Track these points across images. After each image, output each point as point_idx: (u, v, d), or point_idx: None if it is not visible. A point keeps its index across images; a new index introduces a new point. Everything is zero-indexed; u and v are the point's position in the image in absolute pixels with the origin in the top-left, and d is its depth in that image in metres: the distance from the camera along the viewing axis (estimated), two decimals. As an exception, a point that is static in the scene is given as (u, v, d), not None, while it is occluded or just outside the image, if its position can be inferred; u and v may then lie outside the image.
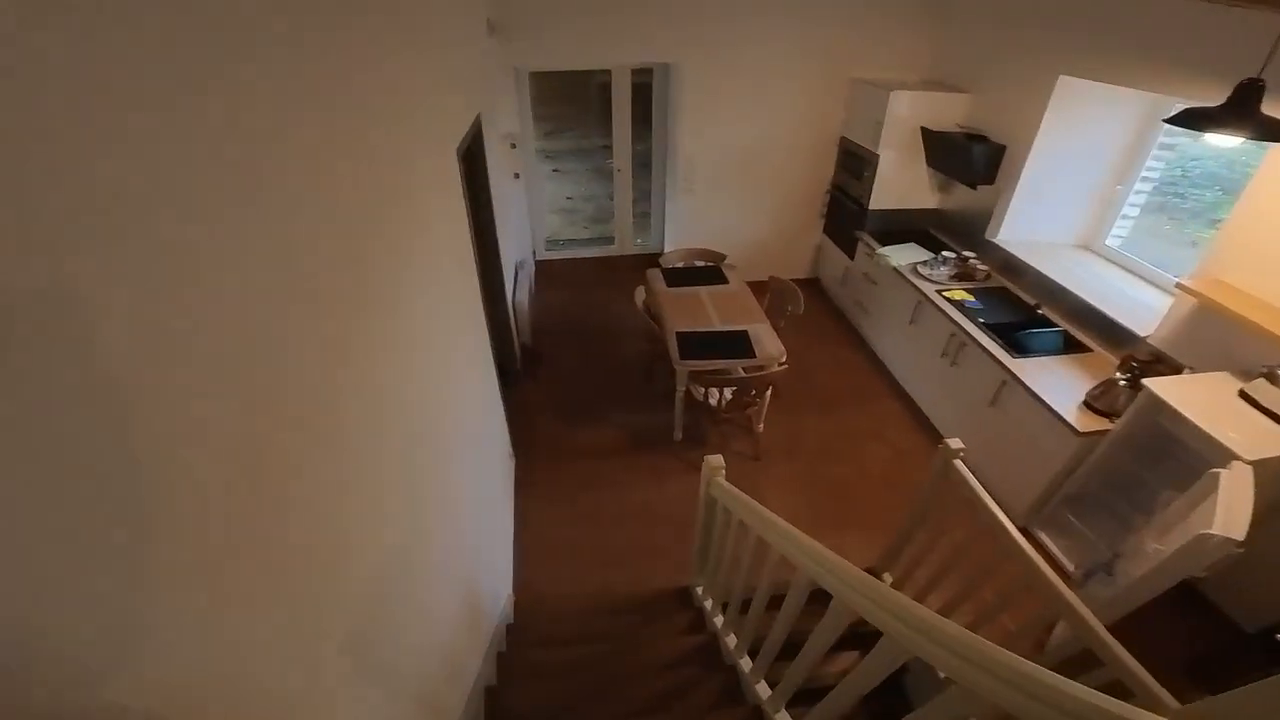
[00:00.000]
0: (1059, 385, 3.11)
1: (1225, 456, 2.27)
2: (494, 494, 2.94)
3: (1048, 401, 3.01)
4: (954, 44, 4.46)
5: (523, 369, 4.61)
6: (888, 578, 2.90)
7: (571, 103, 6.25)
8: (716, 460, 2.31)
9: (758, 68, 4.73)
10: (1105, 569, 2.47)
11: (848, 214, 5.03)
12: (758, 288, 4.27)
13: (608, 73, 5.08)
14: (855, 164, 4.87)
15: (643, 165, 5.73)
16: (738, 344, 3.61)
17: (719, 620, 2.54)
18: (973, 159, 4.04)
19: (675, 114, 4.96)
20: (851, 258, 4.99)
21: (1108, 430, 2.82)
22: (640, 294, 4.09)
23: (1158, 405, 2.59)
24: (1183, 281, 2.83)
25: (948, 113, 4.38)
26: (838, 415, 4.18)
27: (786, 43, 4.64)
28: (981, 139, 4.08)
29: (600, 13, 4.38)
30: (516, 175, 4.74)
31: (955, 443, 2.39)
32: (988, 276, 4.12)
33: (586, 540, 3.38)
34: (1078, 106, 3.65)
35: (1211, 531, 1.92)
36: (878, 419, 4.15)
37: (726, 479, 2.29)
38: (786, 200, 5.41)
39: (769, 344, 3.61)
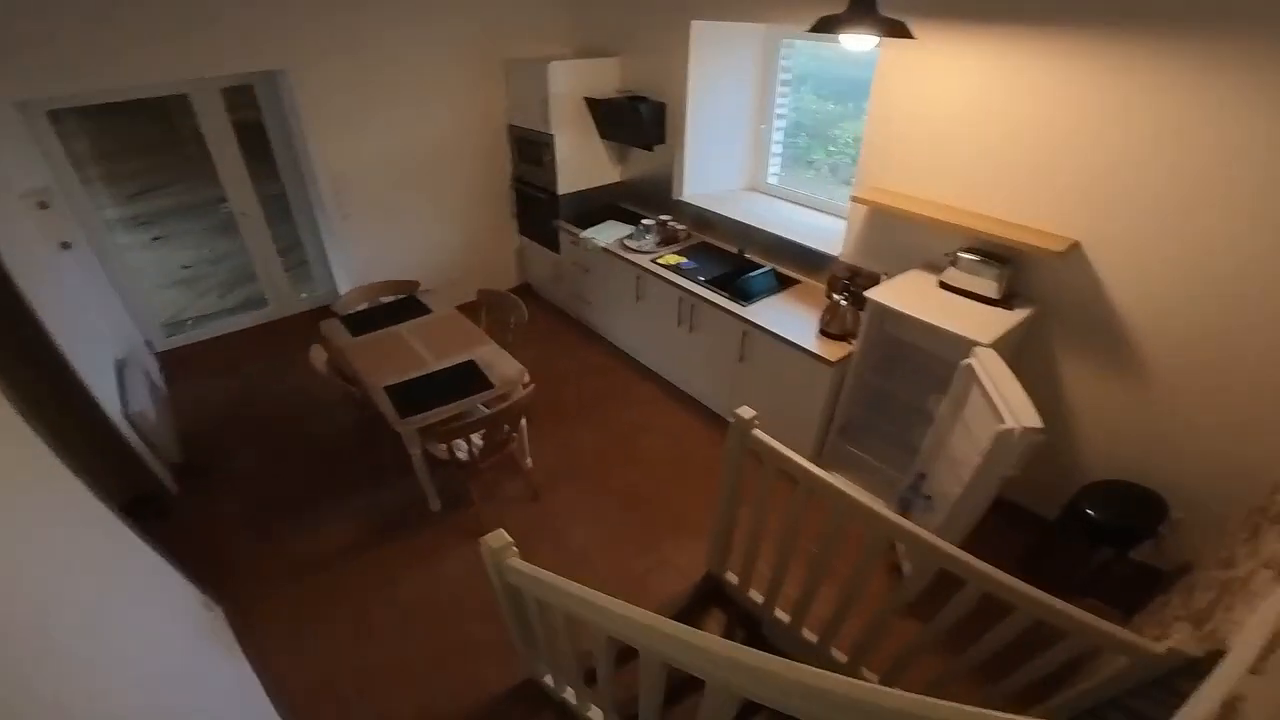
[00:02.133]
0: (791, 322, 3.13)
1: (963, 346, 2.39)
2: (198, 670, 1.77)
3: (791, 339, 2.99)
4: (594, 10, 4.31)
5: (183, 493, 3.21)
6: (732, 578, 2.57)
7: (158, 153, 4.65)
8: (497, 539, 1.64)
9: (396, 63, 3.98)
10: (915, 491, 2.47)
11: (539, 206, 4.63)
12: (467, 310, 3.59)
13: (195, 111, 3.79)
14: (532, 150, 4.47)
15: (277, 206, 4.52)
16: (466, 378, 2.91)
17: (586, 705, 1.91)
18: (641, 121, 3.95)
19: (304, 133, 3.91)
20: (557, 251, 4.61)
21: (849, 354, 2.88)
22: (318, 354, 3.07)
23: (883, 313, 2.69)
24: (855, 194, 3.02)
25: (606, 79, 4.23)
26: (599, 419, 3.77)
27: (422, 28, 3.97)
28: (642, 99, 4.01)
29: (145, 14, 3.14)
30: (66, 245, 3.21)
31: (746, 411, 2.11)
32: (688, 235, 4.11)
33: (371, 663, 2.48)
34: (713, 51, 3.75)
35: (1008, 426, 1.93)
36: (640, 409, 3.86)
37: (511, 533, 1.64)
38: (470, 206, 4.78)
39: (504, 366, 2.99)
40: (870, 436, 3.15)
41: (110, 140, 4.38)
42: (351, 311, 3.52)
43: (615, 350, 4.44)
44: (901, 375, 3.01)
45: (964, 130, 2.64)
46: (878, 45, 2.33)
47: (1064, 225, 2.47)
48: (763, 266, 3.55)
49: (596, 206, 4.53)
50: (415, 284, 3.74)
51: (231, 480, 3.36)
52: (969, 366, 2.33)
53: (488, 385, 2.86)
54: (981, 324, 2.46)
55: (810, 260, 3.51)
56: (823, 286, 3.41)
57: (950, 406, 2.45)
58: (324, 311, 3.51)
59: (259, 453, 3.54)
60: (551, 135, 4.21)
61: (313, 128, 3.90)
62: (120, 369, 3.38)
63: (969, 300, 2.65)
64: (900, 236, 3.01)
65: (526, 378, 2.94)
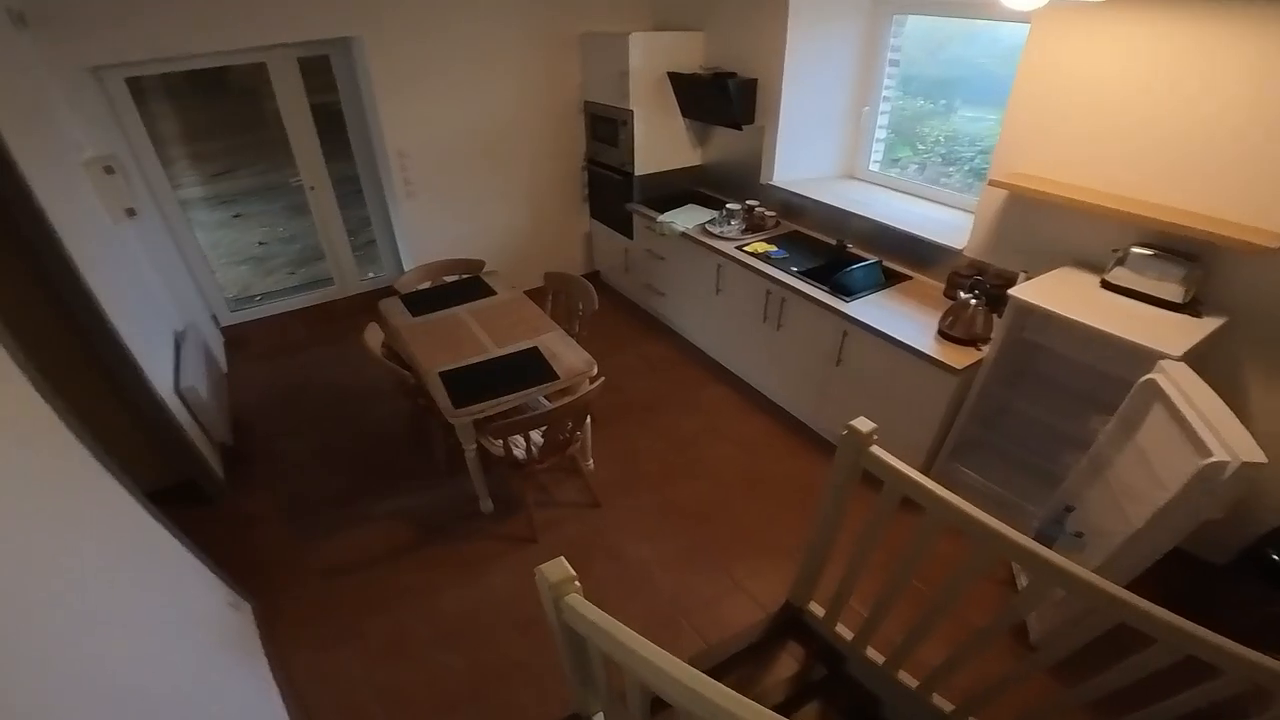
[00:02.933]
0: (902, 322, 2.68)
1: (1141, 359, 1.91)
2: (208, 691, 1.53)
3: (906, 341, 2.55)
4: (675, -18, 3.98)
5: (227, 479, 3.06)
6: (817, 610, 2.18)
7: (241, 134, 4.80)
8: (557, 571, 1.30)
9: (468, 34, 3.77)
10: (1059, 526, 2.01)
11: (612, 188, 4.32)
12: (534, 295, 3.30)
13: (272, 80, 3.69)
14: (608, 129, 4.16)
15: (349, 186, 4.40)
16: (529, 367, 2.61)
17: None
18: (730, 95, 3.56)
19: (375, 105, 3.75)
20: (630, 236, 4.29)
21: (979, 361, 2.42)
22: (373, 334, 2.85)
23: (1027, 315, 2.22)
24: (995, 178, 2.54)
25: (689, 54, 3.87)
26: (665, 423, 3.41)
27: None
28: (730, 75, 3.63)
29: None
30: (131, 212, 3.11)
31: (864, 423, 1.71)
32: (777, 223, 3.70)
33: (402, 684, 2.20)
34: (812, 25, 3.32)
35: (1218, 459, 1.46)
36: (710, 413, 3.48)
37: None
38: (540, 187, 4.52)
39: (570, 356, 2.67)
40: (987, 457, 2.66)
41: (197, 120, 4.49)
42: (412, 291, 3.29)
43: (687, 346, 4.08)
44: (1033, 389, 2.53)
45: (1146, 111, 2.14)
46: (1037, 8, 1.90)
47: (1272, 219, 1.95)
48: (866, 259, 3.10)
49: (674, 191, 4.18)
50: (480, 263, 3.49)
51: (277, 467, 3.19)
52: (1151, 383, 1.85)
53: (551, 376, 2.55)
54: (1166, 333, 1.97)
55: (922, 255, 3.05)
56: (935, 285, 2.96)
57: (1118, 430, 1.97)
58: (387, 292, 3.29)
59: (307, 440, 3.36)
60: (630, 111, 3.88)
61: (383, 100, 3.73)
62: (179, 342, 3.28)
63: (1143, 304, 2.14)
64: (1046, 228, 2.52)
65: (595, 370, 2.61)
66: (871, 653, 2.07)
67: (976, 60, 3.18)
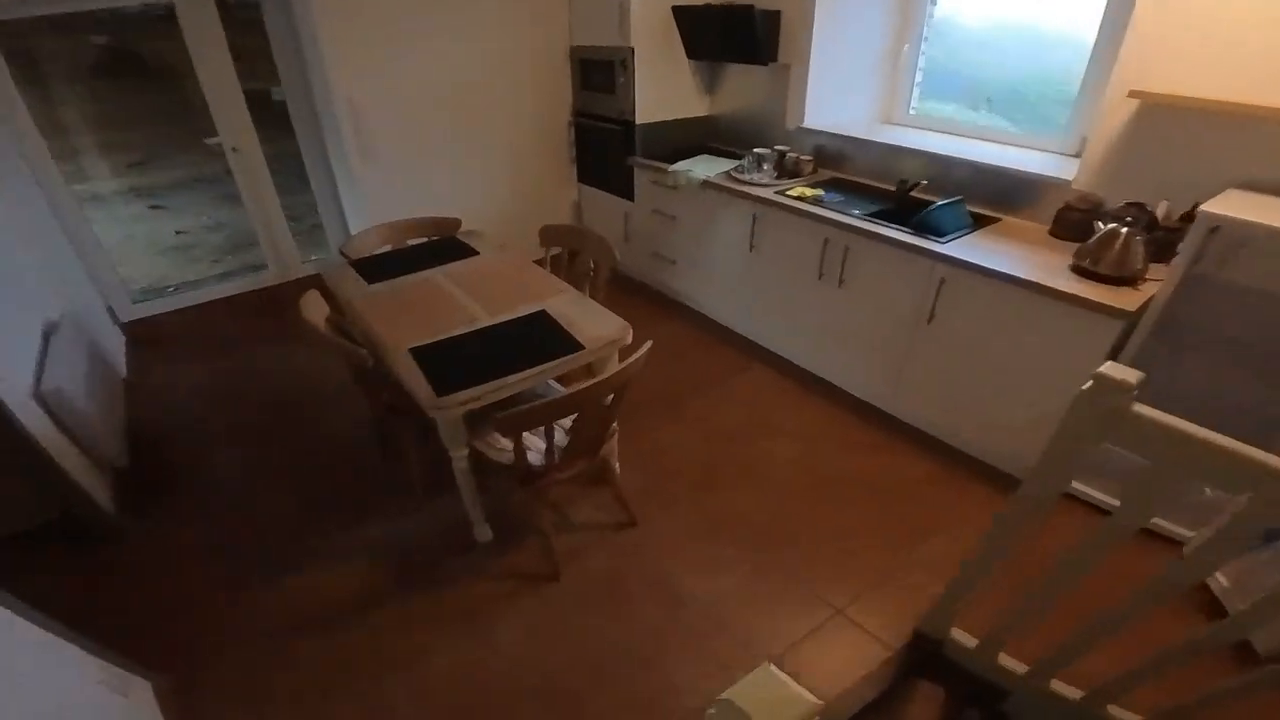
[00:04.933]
0: (1017, 264, 2.08)
1: None
2: None
3: (1042, 281, 1.94)
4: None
5: (125, 511, 2.24)
6: (964, 639, 1.57)
7: (166, 122, 4.07)
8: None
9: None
10: None
11: (608, 143, 3.64)
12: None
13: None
14: (603, 74, 3.49)
15: (290, 167, 3.64)
16: (538, 337, 1.89)
17: None
18: (754, 26, 2.94)
19: (319, 50, 2.99)
20: (630, 198, 3.61)
21: (1147, 302, 1.82)
22: (314, 305, 2.07)
23: (1240, 240, 1.63)
24: (1135, 88, 1.97)
25: (697, -18, 3.25)
26: (697, 416, 2.72)
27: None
28: (747, 6, 3.00)
29: None
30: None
31: (1121, 371, 1.07)
32: (814, 169, 3.09)
33: None
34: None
35: None
36: (751, 402, 2.81)
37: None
38: (519, 148, 3.81)
39: (593, 322, 1.97)
40: None
41: (108, 109, 3.75)
42: (367, 256, 2.53)
43: (707, 324, 3.41)
44: (1202, 348, 1.94)
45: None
46: None
47: None
48: (939, 201, 2.50)
49: (678, 145, 3.53)
50: (455, 222, 2.76)
51: (199, 494, 2.38)
52: None
53: (573, 346, 1.83)
54: None
55: (1007, 194, 2.49)
56: (1033, 226, 2.40)
57: None
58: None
59: (241, 457, 2.55)
60: (630, 49, 3.23)
61: (329, 44, 2.98)
62: (49, 335, 2.43)
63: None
64: (1196, 149, 1.97)
65: (630, 337, 1.92)
66: (1059, 686, 1.50)
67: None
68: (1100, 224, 2.01)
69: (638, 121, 3.38)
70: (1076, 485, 2.15)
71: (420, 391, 1.67)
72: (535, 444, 1.86)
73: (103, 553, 2.12)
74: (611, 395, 1.69)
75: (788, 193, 2.74)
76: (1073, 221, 2.24)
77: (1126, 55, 2.01)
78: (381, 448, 2.51)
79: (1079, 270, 2.00)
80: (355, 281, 2.29)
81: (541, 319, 1.98)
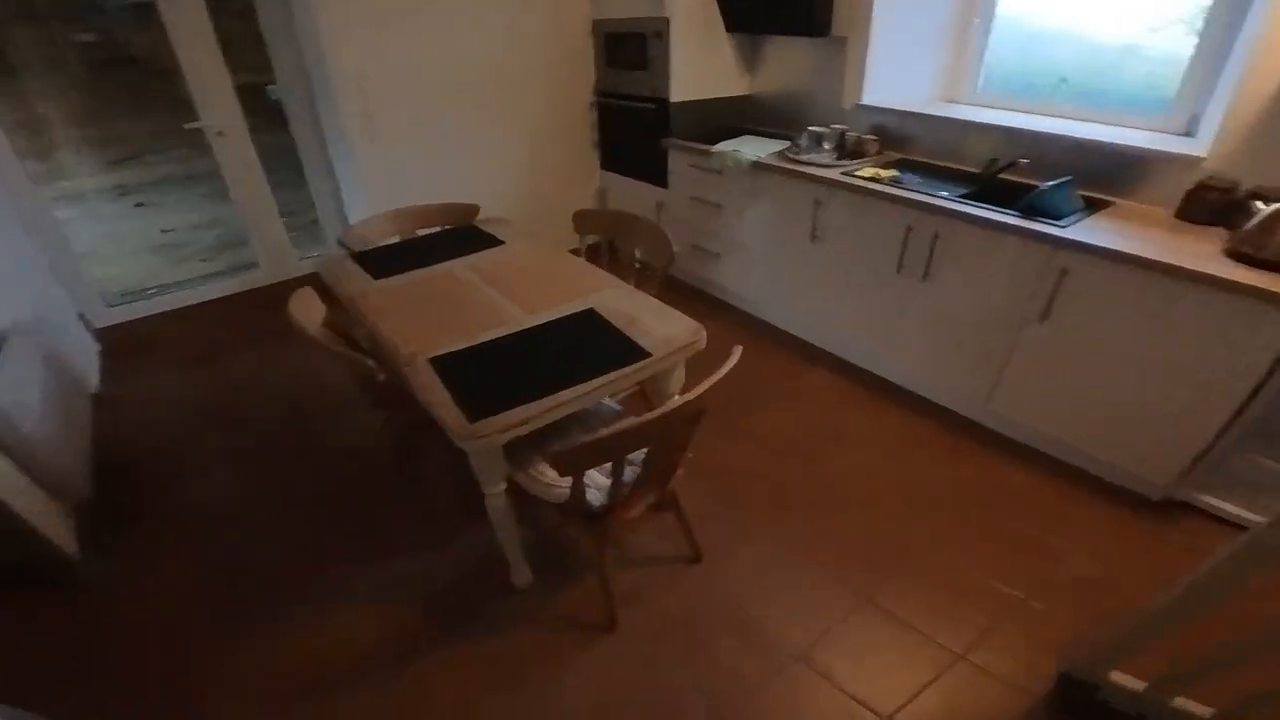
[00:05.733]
0: (1159, 251, 1.73)
1: None
2: None
3: (1202, 270, 1.59)
4: None
5: (89, 551, 1.87)
6: (1128, 682, 1.27)
7: (148, 115, 3.69)
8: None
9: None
10: None
11: (638, 124, 3.28)
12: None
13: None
14: (630, 50, 3.14)
15: (284, 165, 3.30)
16: (591, 338, 1.53)
17: None
18: (809, -4, 2.60)
19: (314, 22, 2.64)
20: (663, 185, 3.25)
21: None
22: (307, 305, 1.71)
23: None
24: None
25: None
26: (758, 433, 2.35)
27: None
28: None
29: None
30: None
31: None
32: (879, 150, 2.73)
33: None
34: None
35: None
36: (818, 414, 2.45)
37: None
38: (537, 132, 3.45)
39: (657, 319, 1.62)
40: None
41: (88, 101, 3.44)
42: (373, 248, 2.17)
43: (758, 324, 3.06)
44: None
45: None
46: None
47: None
48: (1034, 185, 2.14)
49: (716, 127, 3.18)
50: (474, 208, 2.40)
51: (180, 528, 2.01)
52: None
53: (637, 354, 1.48)
54: None
55: (1114, 175, 2.14)
56: (1151, 209, 2.05)
57: None
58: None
59: (230, 483, 2.19)
60: (665, 20, 2.88)
61: (330, 19, 2.63)
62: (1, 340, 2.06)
63: None
64: None
65: (703, 338, 1.56)
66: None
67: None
68: (1261, 204, 1.66)
69: (673, 99, 3.03)
70: None
71: (447, 415, 1.31)
72: (597, 480, 1.50)
73: (62, 602, 1.76)
74: (684, 419, 1.33)
75: (857, 173, 2.39)
76: (1208, 203, 1.90)
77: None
78: (399, 468, 2.14)
79: (1238, 256, 1.65)
80: (358, 276, 1.93)
81: (591, 319, 1.62)
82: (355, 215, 3.23)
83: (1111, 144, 2.12)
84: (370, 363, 1.51)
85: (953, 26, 2.75)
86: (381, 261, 2.02)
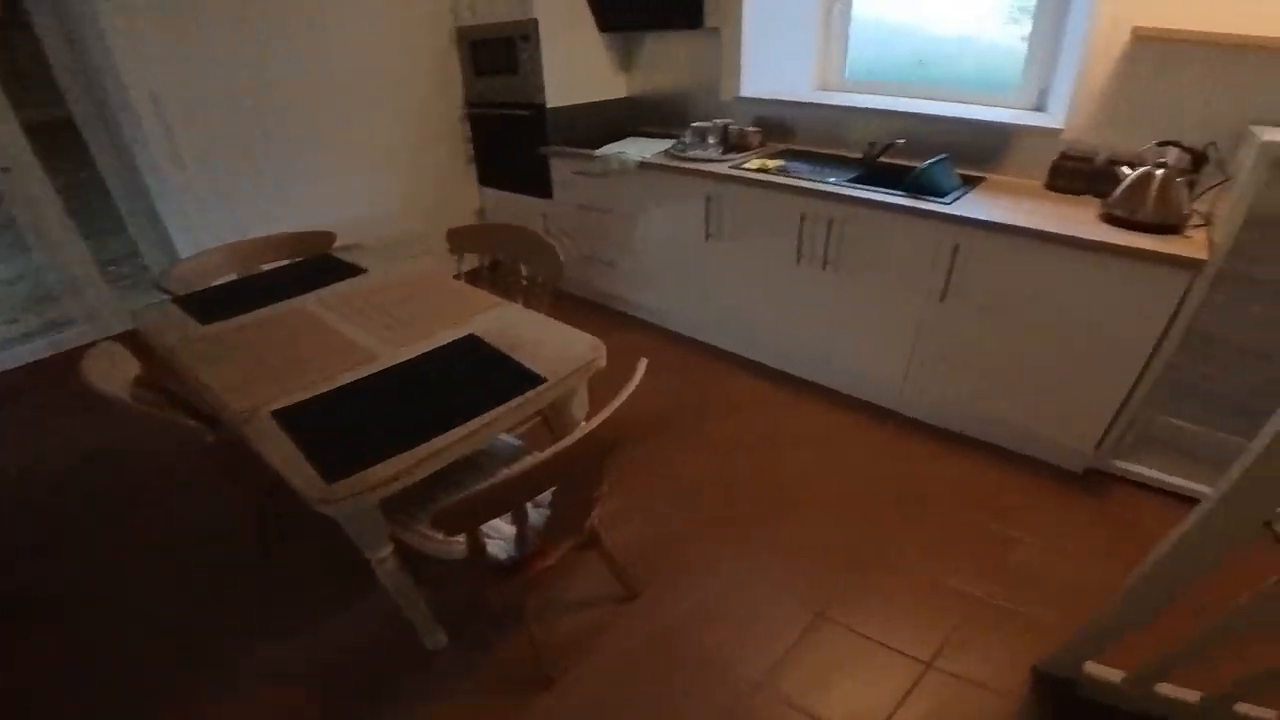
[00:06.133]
0: (1040, 221, 1.76)
1: None
2: None
3: (1088, 237, 1.61)
4: None
5: None
6: (1104, 674, 1.27)
7: None
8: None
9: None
10: None
11: (513, 134, 3.08)
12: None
13: None
14: (502, 54, 2.93)
15: (90, 190, 2.80)
16: (473, 369, 1.31)
17: None
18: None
19: (103, 40, 2.23)
20: (547, 195, 3.06)
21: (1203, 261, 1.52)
22: (112, 364, 1.36)
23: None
24: (1140, 25, 1.73)
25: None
26: (674, 459, 2.19)
27: None
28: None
29: None
30: None
31: None
32: (762, 142, 2.70)
33: None
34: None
35: None
36: (738, 425, 2.31)
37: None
38: (404, 152, 3.16)
39: (548, 337, 1.42)
40: (1206, 403, 1.78)
41: None
42: (201, 289, 1.82)
43: (662, 334, 2.92)
44: (1267, 295, 1.69)
45: None
46: None
47: None
48: (914, 165, 2.16)
49: (597, 132, 3.03)
50: (328, 236, 2.09)
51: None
52: None
53: (530, 380, 1.27)
54: None
55: (981, 150, 2.21)
56: (1021, 182, 2.12)
57: None
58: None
59: (55, 579, 1.73)
60: (533, 21, 2.71)
61: (118, 35, 2.23)
62: None
63: None
64: (1203, 87, 1.74)
65: (603, 355, 1.38)
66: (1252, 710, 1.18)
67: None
68: (1127, 169, 1.73)
69: (549, 104, 2.86)
70: None
71: (297, 478, 1.05)
72: (501, 529, 1.27)
73: None
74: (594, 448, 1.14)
75: (744, 166, 2.32)
76: (1072, 172, 1.98)
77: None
78: (262, 550, 1.78)
79: (1113, 220, 1.71)
80: (181, 323, 1.59)
81: (473, 347, 1.39)
82: (187, 250, 2.79)
83: (979, 120, 2.18)
84: (192, 424, 1.20)
85: (820, 11, 2.77)
86: (212, 304, 1.68)
